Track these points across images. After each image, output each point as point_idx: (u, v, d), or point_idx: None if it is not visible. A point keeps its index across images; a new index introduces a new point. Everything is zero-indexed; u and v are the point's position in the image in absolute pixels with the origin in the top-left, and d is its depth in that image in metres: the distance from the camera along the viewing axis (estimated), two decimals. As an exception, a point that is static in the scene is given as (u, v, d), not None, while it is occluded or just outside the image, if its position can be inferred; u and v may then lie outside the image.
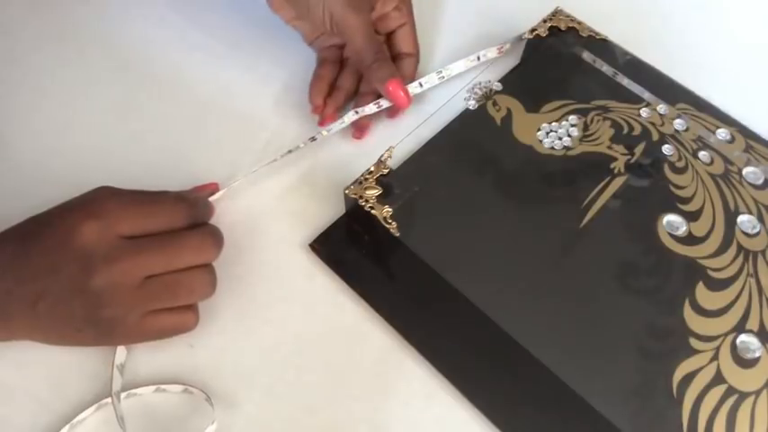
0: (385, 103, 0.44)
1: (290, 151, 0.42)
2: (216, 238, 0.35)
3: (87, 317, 0.32)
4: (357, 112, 0.43)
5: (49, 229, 0.33)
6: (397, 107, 0.44)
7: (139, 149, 0.44)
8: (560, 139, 0.44)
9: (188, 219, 0.34)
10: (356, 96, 0.46)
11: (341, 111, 0.44)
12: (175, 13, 0.51)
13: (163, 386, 0.35)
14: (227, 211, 0.41)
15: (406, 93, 0.43)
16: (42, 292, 0.32)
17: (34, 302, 0.32)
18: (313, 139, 0.43)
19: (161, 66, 0.48)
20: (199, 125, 0.45)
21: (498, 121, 0.45)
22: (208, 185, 0.40)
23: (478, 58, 0.47)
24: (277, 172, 0.43)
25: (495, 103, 0.45)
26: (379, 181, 0.40)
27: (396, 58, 0.46)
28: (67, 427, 0.34)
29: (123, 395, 0.35)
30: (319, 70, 0.46)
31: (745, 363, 0.36)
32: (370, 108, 0.43)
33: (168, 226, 0.34)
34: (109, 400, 0.34)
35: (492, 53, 0.47)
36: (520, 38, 0.48)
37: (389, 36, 0.46)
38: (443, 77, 0.46)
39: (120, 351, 0.35)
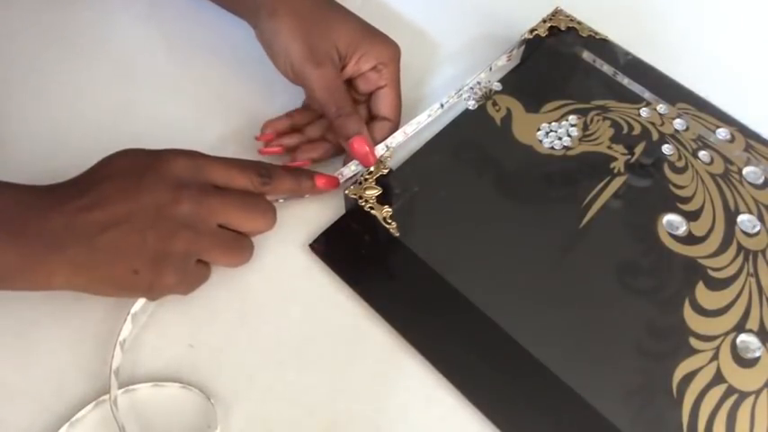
0: (353, 166, 0.42)
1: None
2: (274, 212, 0.38)
3: (155, 249, 0.33)
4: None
5: (142, 158, 0.34)
6: (362, 164, 0.41)
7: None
8: (560, 138, 0.44)
9: (264, 188, 0.37)
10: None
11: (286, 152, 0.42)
12: (176, 14, 0.51)
13: (161, 383, 0.35)
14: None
15: (371, 151, 0.40)
16: (117, 218, 0.32)
17: (99, 232, 0.31)
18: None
19: (161, 66, 0.49)
20: (200, 126, 0.45)
21: (498, 121, 0.45)
22: (298, 163, 0.41)
23: (490, 69, 0.47)
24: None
25: (494, 103, 0.45)
26: (379, 181, 0.40)
27: (372, 118, 0.43)
28: (66, 425, 0.34)
29: (121, 391, 0.35)
30: (293, 111, 0.44)
31: (745, 362, 0.36)
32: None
33: (246, 188, 0.37)
34: (106, 397, 0.34)
35: (502, 61, 0.47)
36: (522, 41, 0.48)
37: (370, 96, 0.44)
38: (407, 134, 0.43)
39: (117, 354, 0.35)
